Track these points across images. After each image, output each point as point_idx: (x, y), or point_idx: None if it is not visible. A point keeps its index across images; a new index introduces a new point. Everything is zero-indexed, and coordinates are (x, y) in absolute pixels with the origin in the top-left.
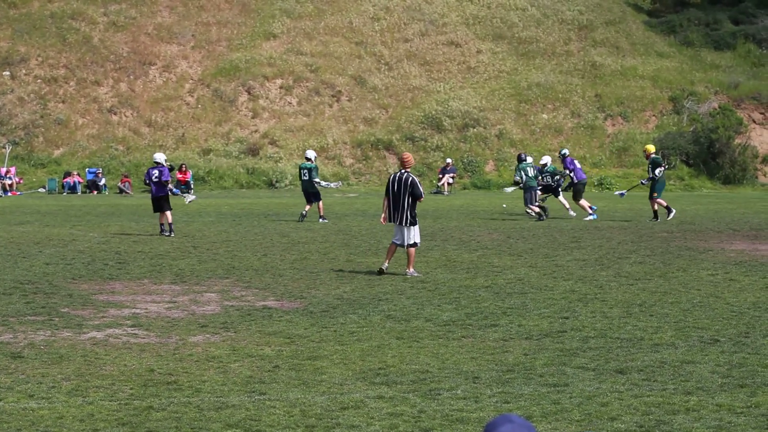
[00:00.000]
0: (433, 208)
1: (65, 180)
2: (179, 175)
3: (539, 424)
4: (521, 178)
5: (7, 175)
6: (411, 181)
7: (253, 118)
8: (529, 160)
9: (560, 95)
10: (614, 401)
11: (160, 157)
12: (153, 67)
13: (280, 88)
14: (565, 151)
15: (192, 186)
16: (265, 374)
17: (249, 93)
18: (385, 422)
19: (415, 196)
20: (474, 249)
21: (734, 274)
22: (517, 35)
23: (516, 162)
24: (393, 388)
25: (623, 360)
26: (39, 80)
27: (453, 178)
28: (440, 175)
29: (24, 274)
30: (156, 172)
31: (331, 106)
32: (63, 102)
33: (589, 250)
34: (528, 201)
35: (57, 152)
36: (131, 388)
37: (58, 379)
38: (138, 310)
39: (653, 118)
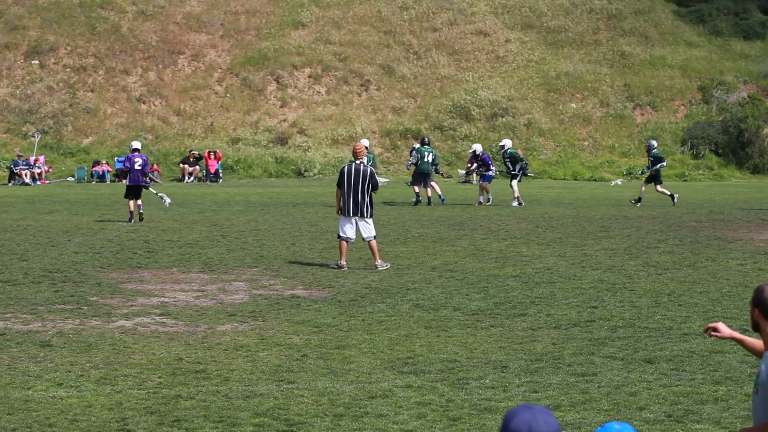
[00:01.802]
0: (462, 197)
1: (94, 169)
2: (211, 162)
3: (568, 414)
4: (417, 161)
5: (36, 164)
6: (370, 172)
7: (281, 107)
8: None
9: (589, 85)
10: (643, 391)
11: (138, 144)
12: (182, 56)
13: (309, 77)
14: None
15: (221, 174)
16: (293, 363)
17: (278, 82)
18: (414, 411)
19: (375, 187)
20: (502, 238)
21: (763, 264)
22: (545, 24)
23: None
24: (421, 378)
25: (652, 349)
26: (68, 69)
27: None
28: (469, 165)
29: (53, 262)
30: (139, 160)
31: (359, 95)
32: (92, 91)
33: (617, 239)
34: (417, 183)
35: (86, 141)
36: (160, 377)
37: (87, 367)
38: (166, 299)
39: (682, 107)
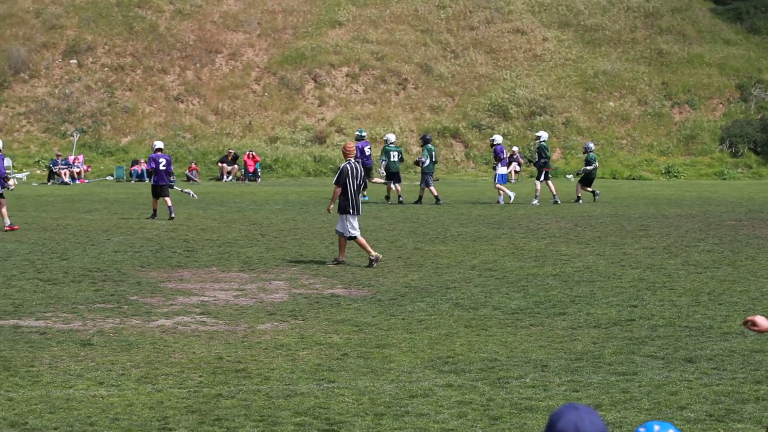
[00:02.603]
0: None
1: (133, 168)
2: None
3: (608, 413)
4: (426, 159)
5: (75, 163)
6: (363, 171)
7: (319, 106)
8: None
9: (627, 83)
10: (683, 390)
11: (161, 144)
12: (219, 55)
13: (347, 76)
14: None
15: (259, 174)
16: (333, 362)
17: (315, 81)
18: (454, 410)
19: (365, 186)
20: (542, 237)
21: None
22: (582, 23)
23: (423, 143)
24: (462, 377)
25: (692, 349)
26: (106, 68)
27: (520, 165)
28: (507, 164)
29: (93, 261)
30: (163, 160)
31: (397, 93)
32: (130, 90)
33: (657, 238)
34: (426, 183)
35: (124, 140)
36: (200, 376)
37: (128, 366)
38: (206, 298)
39: (720, 105)
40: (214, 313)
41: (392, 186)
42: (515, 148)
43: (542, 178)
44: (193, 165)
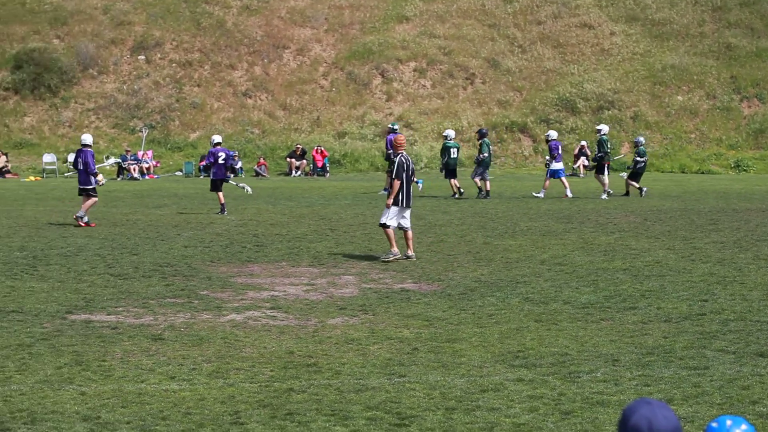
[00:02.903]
0: (575, 191)
1: (201, 163)
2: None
3: (680, 408)
4: (486, 153)
5: (144, 159)
6: (413, 164)
7: (387, 101)
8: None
9: (695, 77)
10: (755, 385)
11: (219, 138)
12: (287, 51)
13: (414, 70)
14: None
15: (328, 169)
16: (404, 357)
17: (383, 76)
18: (525, 405)
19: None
20: (611, 231)
21: None
22: (650, 17)
23: (479, 137)
24: (532, 371)
25: (764, 343)
26: (174, 64)
27: (588, 159)
28: (575, 158)
29: (163, 256)
30: (222, 154)
31: (465, 88)
32: (198, 86)
33: (727, 232)
34: (481, 175)
35: (193, 136)
36: (271, 371)
37: (199, 361)
38: (276, 293)
39: None
40: (285, 307)
41: (451, 182)
42: (583, 142)
43: (605, 171)
44: (262, 160)
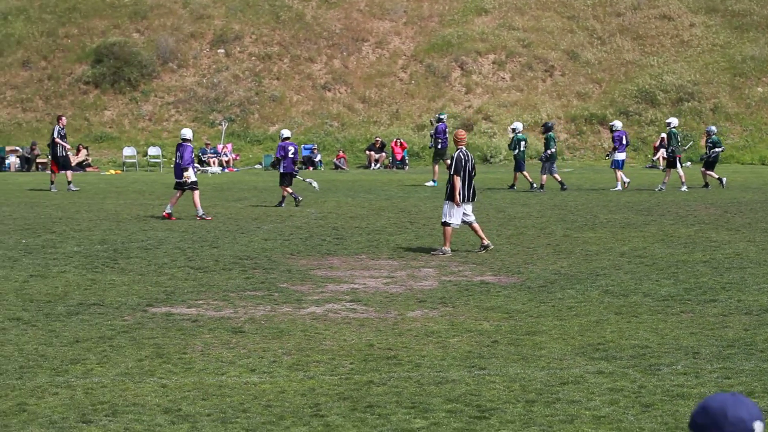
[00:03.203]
0: (649, 183)
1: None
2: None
3: (761, 400)
4: (554, 148)
5: (224, 152)
6: (473, 158)
7: (466, 93)
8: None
9: None
10: None
11: (288, 132)
12: (366, 44)
13: (493, 63)
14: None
15: (407, 161)
16: (484, 349)
17: (462, 68)
18: (606, 397)
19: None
20: (691, 223)
21: None
22: (730, 8)
23: (544, 131)
24: (612, 364)
25: None
26: (253, 57)
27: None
28: (655, 150)
29: (243, 249)
30: (292, 148)
31: (544, 80)
32: (277, 79)
33: None
34: (549, 170)
35: (272, 129)
36: (351, 363)
37: (279, 353)
38: (356, 285)
39: None
40: (365, 300)
41: (521, 174)
42: (664, 135)
43: (678, 164)
44: (341, 153)
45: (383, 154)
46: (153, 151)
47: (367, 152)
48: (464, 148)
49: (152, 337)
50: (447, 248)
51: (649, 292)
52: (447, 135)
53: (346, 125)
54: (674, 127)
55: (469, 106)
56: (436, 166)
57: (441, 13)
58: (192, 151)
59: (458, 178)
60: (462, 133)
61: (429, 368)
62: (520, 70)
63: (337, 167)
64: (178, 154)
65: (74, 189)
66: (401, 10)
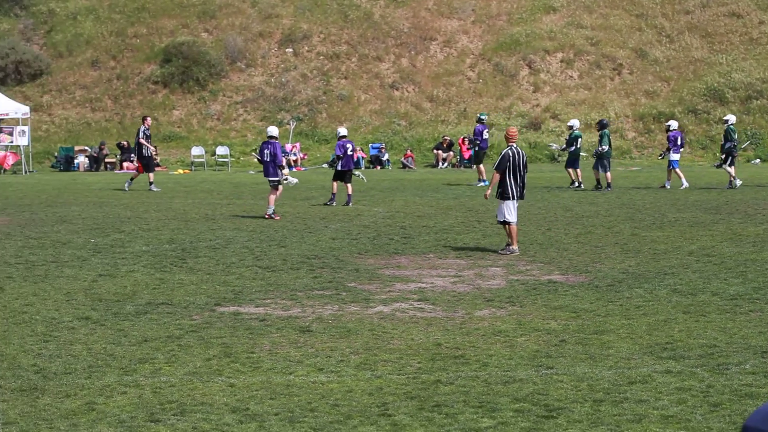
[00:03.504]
0: (717, 181)
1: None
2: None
3: None
4: (606, 146)
5: (292, 151)
6: (525, 157)
7: (534, 92)
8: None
9: None
10: None
11: (345, 131)
12: (434, 43)
13: (561, 61)
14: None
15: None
16: (551, 348)
17: (530, 67)
18: (674, 397)
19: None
20: (760, 222)
21: None
22: None
23: (599, 128)
24: (680, 363)
25: None
26: (321, 57)
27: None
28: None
29: (311, 249)
30: (350, 146)
31: (612, 79)
32: (345, 78)
33: None
34: (604, 168)
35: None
36: (419, 362)
37: (347, 352)
38: (424, 285)
39: None
40: (432, 299)
41: (574, 171)
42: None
43: (732, 162)
44: (409, 152)
45: (451, 153)
46: (221, 150)
47: (435, 151)
48: (515, 146)
49: (220, 336)
50: (514, 247)
51: (718, 291)
52: (484, 136)
53: (413, 124)
54: (731, 124)
55: (537, 105)
56: (481, 166)
57: (509, 11)
58: (281, 148)
59: (497, 174)
60: (513, 130)
61: (496, 367)
62: (588, 68)
63: (404, 166)
64: (268, 152)
65: (155, 189)
66: (469, 8)
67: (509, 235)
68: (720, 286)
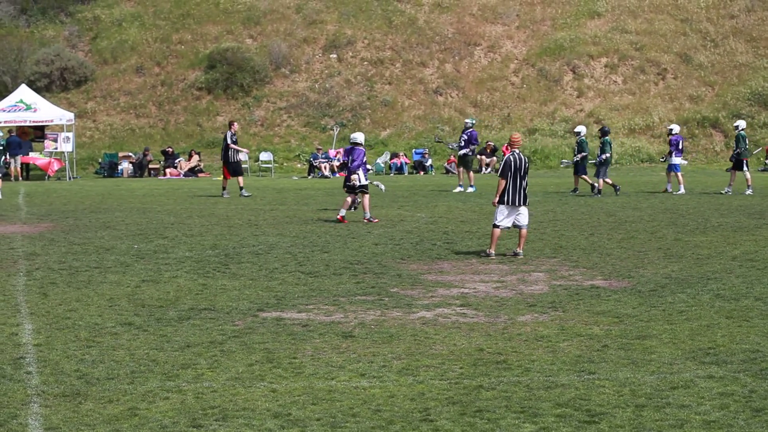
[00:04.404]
0: (762, 185)
1: (392, 161)
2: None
3: None
4: (609, 153)
5: (336, 157)
6: (527, 162)
7: (578, 97)
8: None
9: None
10: None
11: (361, 137)
12: (478, 48)
13: (605, 66)
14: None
15: None
16: (594, 353)
17: (574, 72)
18: (716, 402)
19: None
20: None
21: None
22: None
23: (601, 135)
24: (723, 368)
25: None
26: (365, 62)
27: None
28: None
29: (353, 254)
30: (355, 155)
31: (656, 84)
32: (389, 83)
33: None
34: (602, 174)
35: (384, 133)
36: (461, 368)
37: (389, 358)
38: (466, 290)
39: None
40: (475, 304)
41: (581, 178)
42: None
43: (744, 167)
44: (452, 158)
45: (494, 158)
46: (264, 156)
47: (479, 156)
48: (518, 151)
49: (262, 341)
50: (490, 250)
51: (761, 296)
52: (466, 141)
53: (457, 130)
54: (742, 130)
55: (581, 110)
56: (470, 173)
57: (553, 16)
58: (364, 155)
59: (503, 181)
60: (517, 135)
61: (538, 373)
62: (632, 73)
63: (448, 171)
64: (350, 157)
65: (246, 195)
66: (513, 14)
67: (492, 237)
68: (763, 291)
